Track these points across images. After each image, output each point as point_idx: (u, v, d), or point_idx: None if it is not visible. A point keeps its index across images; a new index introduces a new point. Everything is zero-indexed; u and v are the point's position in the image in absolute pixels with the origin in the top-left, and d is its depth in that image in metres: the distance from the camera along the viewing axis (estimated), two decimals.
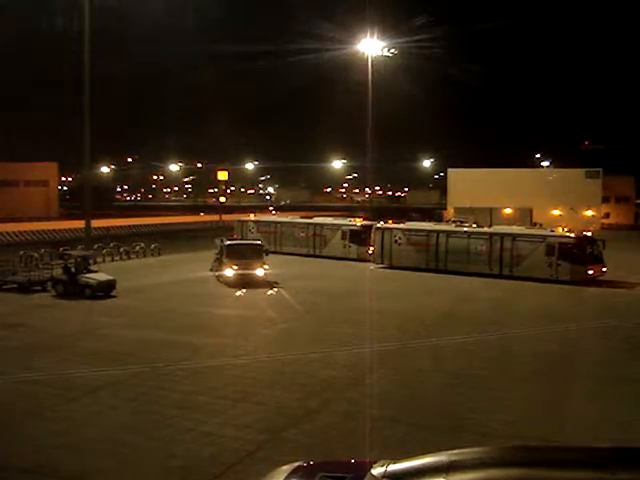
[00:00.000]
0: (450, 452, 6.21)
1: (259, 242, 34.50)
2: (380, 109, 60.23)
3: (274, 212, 64.63)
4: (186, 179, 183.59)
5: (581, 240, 33.85)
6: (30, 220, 63.25)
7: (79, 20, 34.12)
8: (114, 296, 26.94)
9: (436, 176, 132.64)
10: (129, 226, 64.75)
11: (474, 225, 40.16)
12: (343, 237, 43.25)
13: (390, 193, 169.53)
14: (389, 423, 12.75)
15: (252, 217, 51.23)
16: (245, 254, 31.49)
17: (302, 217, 52.31)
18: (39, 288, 28.14)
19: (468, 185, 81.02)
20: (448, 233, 37.27)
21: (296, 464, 7.27)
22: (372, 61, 52.36)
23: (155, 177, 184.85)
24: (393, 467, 6.31)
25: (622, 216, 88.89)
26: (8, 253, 34.49)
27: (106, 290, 27.08)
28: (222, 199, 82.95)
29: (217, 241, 34.72)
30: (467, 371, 16.71)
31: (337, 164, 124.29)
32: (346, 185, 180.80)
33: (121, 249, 41.87)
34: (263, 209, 79.77)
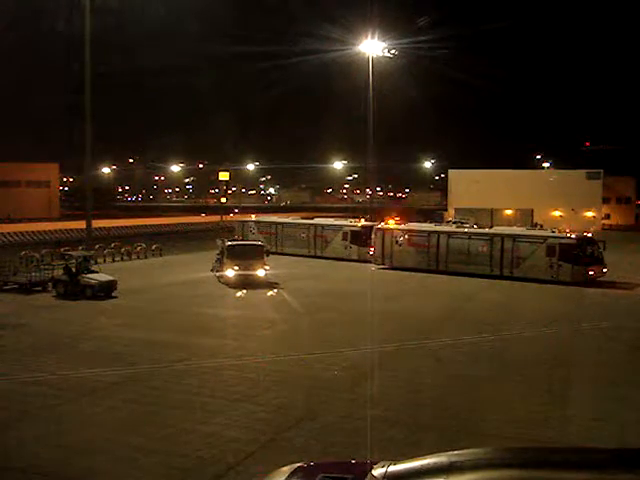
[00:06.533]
0: (450, 453, 6.20)
1: (260, 243, 34.52)
2: (381, 110, 60.28)
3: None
4: (187, 180, 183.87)
5: (582, 241, 33.86)
6: (31, 221, 63.28)
7: (81, 20, 34.11)
8: (115, 297, 26.96)
9: (437, 177, 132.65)
10: (130, 227, 64.72)
11: (475, 226, 40.18)
12: (344, 238, 43.27)
13: (391, 194, 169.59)
14: (389, 424, 12.75)
15: (253, 217, 51.36)
16: (246, 255, 31.48)
17: (303, 218, 52.36)
18: (40, 289, 28.16)
19: (469, 186, 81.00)
20: (449, 234, 37.27)
21: (296, 465, 7.27)
22: (373, 62, 52.33)
23: (156, 178, 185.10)
24: (394, 468, 6.31)
25: (623, 217, 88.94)
26: (9, 254, 34.51)
27: (107, 291, 27.10)
28: (223, 200, 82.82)
29: (218, 242, 34.76)
30: (466, 372, 16.70)
31: (338, 165, 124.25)
32: (347, 186, 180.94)
33: (122, 250, 41.91)
34: (263, 210, 79.20)
